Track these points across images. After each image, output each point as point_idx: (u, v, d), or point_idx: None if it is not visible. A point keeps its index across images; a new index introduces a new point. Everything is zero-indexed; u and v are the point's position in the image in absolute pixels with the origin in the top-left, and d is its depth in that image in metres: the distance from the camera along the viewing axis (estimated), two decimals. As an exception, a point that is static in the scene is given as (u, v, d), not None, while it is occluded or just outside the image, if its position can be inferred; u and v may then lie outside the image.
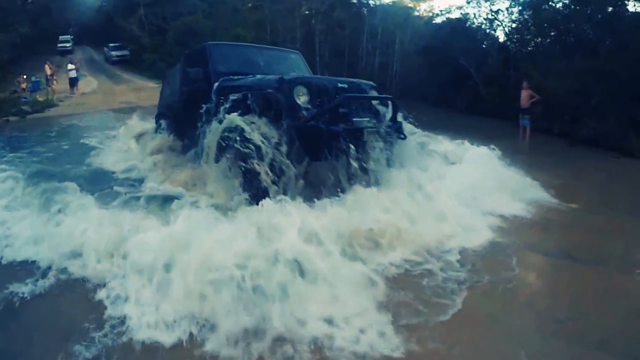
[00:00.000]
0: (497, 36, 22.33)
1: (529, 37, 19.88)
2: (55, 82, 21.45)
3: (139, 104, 20.05)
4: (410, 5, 29.42)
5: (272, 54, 8.50)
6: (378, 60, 27.32)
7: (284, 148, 5.25)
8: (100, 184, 7.15)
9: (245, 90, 5.92)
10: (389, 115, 6.42)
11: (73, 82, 24.60)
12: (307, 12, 30.33)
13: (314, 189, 5.54)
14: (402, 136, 6.35)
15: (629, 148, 12.52)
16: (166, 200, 5.81)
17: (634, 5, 15.78)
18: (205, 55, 7.16)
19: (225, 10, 33.05)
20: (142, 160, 9.03)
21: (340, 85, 5.97)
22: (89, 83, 28.66)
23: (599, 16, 15.90)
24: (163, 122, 9.58)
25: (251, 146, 5.19)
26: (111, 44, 40.19)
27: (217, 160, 5.92)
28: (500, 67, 19.65)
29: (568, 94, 14.46)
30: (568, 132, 14.34)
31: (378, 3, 29.16)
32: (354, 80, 6.61)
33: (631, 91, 13.35)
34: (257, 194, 5.20)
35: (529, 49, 19.45)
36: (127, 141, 11.01)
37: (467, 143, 8.95)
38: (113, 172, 8.56)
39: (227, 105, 5.86)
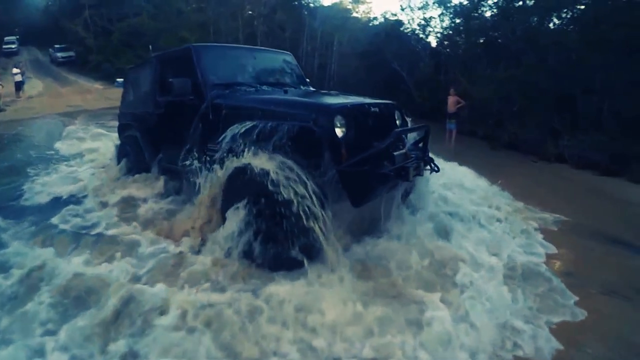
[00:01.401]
0: (429, 42, 22.50)
1: (460, 43, 19.98)
2: (0, 86, 20.27)
3: (85, 107, 19.25)
4: (349, 7, 29.27)
5: (264, 56, 6.65)
6: (317, 61, 27.08)
7: (315, 197, 3.80)
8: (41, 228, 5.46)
9: (260, 115, 4.44)
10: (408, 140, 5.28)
11: (19, 85, 23.32)
12: (250, 13, 29.81)
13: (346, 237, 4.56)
14: (436, 168, 5.13)
15: (546, 153, 12.89)
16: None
17: (555, 23, 16.43)
18: (190, 61, 5.49)
19: (169, 12, 32.19)
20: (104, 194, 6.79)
21: (372, 109, 4.79)
22: (34, 86, 27.29)
23: (522, 29, 16.13)
24: (128, 138, 7.26)
25: (283, 198, 3.72)
26: (57, 45, 38.65)
27: (224, 210, 4.32)
28: (431, 71, 19.76)
29: (492, 100, 14.74)
30: (491, 136, 14.59)
31: (318, 5, 28.92)
32: (379, 100, 5.17)
33: (549, 101, 13.86)
34: (280, 261, 3.95)
35: (459, 54, 19.54)
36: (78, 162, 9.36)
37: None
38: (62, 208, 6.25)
39: (237, 136, 4.37)
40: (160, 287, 3.72)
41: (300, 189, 3.70)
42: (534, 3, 16.90)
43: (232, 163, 4.25)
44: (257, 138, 4.18)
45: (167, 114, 6.14)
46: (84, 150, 10.63)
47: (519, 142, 13.59)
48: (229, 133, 4.43)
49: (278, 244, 3.89)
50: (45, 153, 10.39)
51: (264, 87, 5.57)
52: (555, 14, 16.42)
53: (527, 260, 4.93)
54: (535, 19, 16.63)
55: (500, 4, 18.28)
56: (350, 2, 29.50)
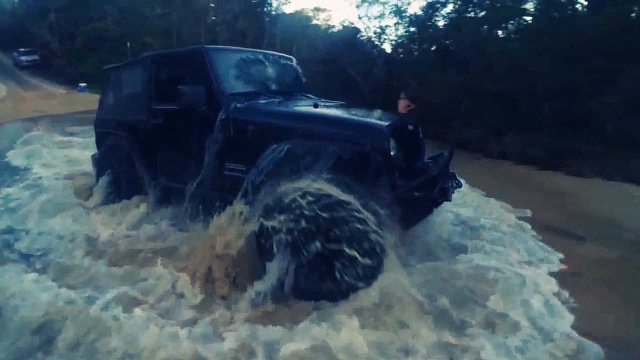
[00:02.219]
0: (384, 49, 22.72)
1: (413, 50, 20.28)
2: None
3: (49, 112, 18.40)
4: (310, 14, 29.36)
5: (274, 61, 5.77)
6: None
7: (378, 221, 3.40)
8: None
9: (299, 134, 3.88)
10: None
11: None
12: (213, 19, 29.61)
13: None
14: (460, 184, 4.80)
15: (489, 150, 13.35)
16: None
17: (502, 33, 17.13)
18: (202, 65, 4.67)
19: (134, 17, 31.64)
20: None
21: (410, 127, 4.47)
22: (-2, 90, 26.32)
23: (471, 38, 16.57)
24: (113, 149, 6.16)
25: (348, 225, 3.29)
26: (21, 49, 37.32)
27: (265, 244, 3.62)
28: (385, 77, 19.95)
29: (441, 103, 14.95)
30: (440, 136, 14.77)
31: (280, 13, 28.89)
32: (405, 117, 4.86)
33: (494, 103, 14.46)
34: (335, 291, 3.49)
35: (412, 60, 19.80)
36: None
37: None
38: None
39: (277, 158, 3.73)
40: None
41: (365, 215, 3.31)
42: (483, 15, 17.54)
43: (283, 188, 3.54)
44: (301, 161, 3.61)
45: (168, 124, 5.25)
46: (43, 161, 9.50)
47: (464, 141, 13.84)
48: (269, 154, 3.79)
49: (339, 275, 3.40)
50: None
51: (286, 98, 4.90)
52: (502, 25, 17.09)
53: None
54: (485, 27, 17.30)
55: (452, 15, 18.86)
56: (311, 10, 29.66)
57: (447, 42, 17.98)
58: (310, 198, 3.34)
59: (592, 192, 8.84)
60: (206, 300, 3.73)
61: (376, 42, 22.51)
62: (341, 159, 3.52)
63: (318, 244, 3.37)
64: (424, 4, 19.64)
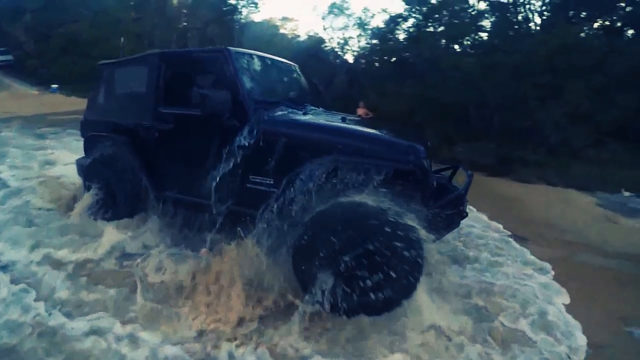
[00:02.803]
0: (347, 60, 22.87)
1: (374, 61, 20.53)
2: None
3: (20, 113, 17.64)
4: (278, 24, 29.44)
5: (283, 67, 5.46)
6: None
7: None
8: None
9: (338, 150, 3.71)
10: None
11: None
12: (185, 25, 29.40)
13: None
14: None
15: (442, 157, 13.36)
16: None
17: (458, 48, 17.85)
18: (226, 69, 4.28)
19: (108, 20, 31.17)
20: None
21: (428, 143, 4.51)
22: (-31, 90, 25.41)
23: (429, 53, 16.88)
24: (109, 157, 5.33)
25: (393, 242, 3.28)
26: (-5, 49, 36.25)
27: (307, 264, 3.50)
28: (346, 86, 20.08)
29: (398, 113, 15.10)
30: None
31: (249, 21, 28.86)
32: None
33: (446, 114, 15.00)
34: (375, 306, 3.48)
35: (372, 71, 19.96)
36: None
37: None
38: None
39: (316, 173, 3.58)
40: None
41: (410, 230, 3.30)
42: (441, 30, 18.10)
43: (334, 204, 3.45)
44: (348, 177, 3.51)
45: (179, 130, 4.73)
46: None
47: (420, 149, 14.16)
48: (311, 168, 3.63)
49: (379, 289, 3.40)
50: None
51: (302, 109, 4.58)
52: (459, 41, 17.74)
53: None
54: (443, 42, 17.76)
55: (412, 29, 19.23)
56: (279, 20, 29.69)
57: (406, 54, 18.20)
58: (364, 214, 3.30)
59: (536, 196, 9.28)
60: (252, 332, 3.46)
61: (339, 53, 22.73)
62: (387, 176, 3.50)
63: (365, 259, 3.35)
64: (387, 17, 20.04)
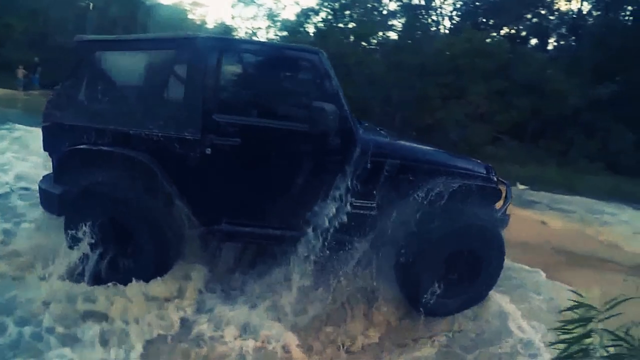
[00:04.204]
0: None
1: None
2: None
3: None
4: (187, 8, 28.16)
5: None
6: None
7: None
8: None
9: (439, 173, 3.65)
10: None
11: None
12: (85, 3, 27.49)
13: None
14: None
15: None
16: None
17: (366, 45, 17.63)
18: (322, 75, 3.50)
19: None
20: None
21: None
22: None
23: (336, 48, 16.65)
24: (112, 178, 3.60)
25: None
26: None
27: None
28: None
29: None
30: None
31: (156, 3, 27.45)
32: None
33: (376, 113, 14.47)
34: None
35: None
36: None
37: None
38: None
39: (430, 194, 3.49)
40: None
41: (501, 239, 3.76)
42: (351, 27, 17.99)
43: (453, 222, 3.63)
44: (457, 197, 3.57)
45: (250, 147, 3.54)
46: None
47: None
48: (427, 190, 3.50)
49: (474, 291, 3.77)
50: None
51: (365, 124, 4.21)
52: (368, 39, 17.66)
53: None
54: (352, 39, 17.53)
55: (322, 24, 19.03)
56: (189, 4, 28.40)
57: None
58: (482, 228, 3.66)
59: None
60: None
61: (248, 44, 22.02)
62: (482, 194, 3.80)
63: (471, 266, 3.65)
64: (299, 10, 19.66)
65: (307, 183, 3.49)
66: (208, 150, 3.43)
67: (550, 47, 18.95)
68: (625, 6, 17.68)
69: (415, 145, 4.18)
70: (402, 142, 4.05)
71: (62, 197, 3.61)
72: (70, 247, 3.45)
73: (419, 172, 3.63)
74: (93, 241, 3.44)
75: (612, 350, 1.68)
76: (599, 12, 18.36)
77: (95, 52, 3.81)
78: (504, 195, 4.15)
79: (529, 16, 18.70)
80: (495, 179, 4.02)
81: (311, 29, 19.27)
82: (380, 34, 18.11)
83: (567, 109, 13.98)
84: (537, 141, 14.61)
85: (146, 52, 3.91)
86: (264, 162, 3.59)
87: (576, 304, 1.80)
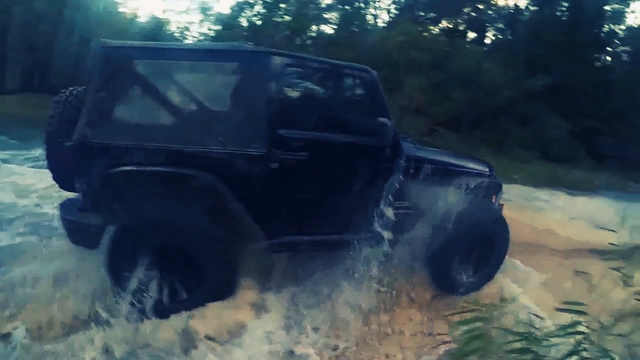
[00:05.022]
0: (187, 47, 21.48)
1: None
2: None
3: None
4: (118, 1, 27.03)
5: None
6: (73, 60, 24.18)
7: None
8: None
9: (456, 173, 4.32)
10: None
11: None
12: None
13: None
14: None
15: None
16: None
17: (300, 40, 17.41)
18: (373, 92, 3.77)
19: None
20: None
21: None
22: None
23: (269, 42, 16.46)
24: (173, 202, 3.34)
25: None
26: None
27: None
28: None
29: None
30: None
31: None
32: None
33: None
34: None
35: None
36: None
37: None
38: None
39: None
40: None
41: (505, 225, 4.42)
42: (285, 22, 17.82)
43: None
44: (470, 192, 4.24)
45: (315, 160, 3.62)
46: None
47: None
48: (450, 188, 4.09)
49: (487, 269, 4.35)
50: None
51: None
52: (302, 33, 17.56)
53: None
54: (286, 33, 17.26)
55: (257, 18, 18.75)
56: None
57: (249, 43, 17.55)
58: (494, 217, 4.37)
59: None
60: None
61: (179, 38, 21.15)
62: (490, 189, 4.51)
63: (485, 248, 4.26)
64: (234, 3, 19.19)
65: (364, 190, 3.78)
66: (274, 165, 3.43)
67: (488, 40, 19.32)
68: (560, 1, 18.33)
69: (437, 150, 5.14)
70: (429, 148, 4.99)
71: (93, 228, 3.27)
72: (118, 284, 3.18)
73: (446, 173, 4.18)
74: (150, 272, 3.22)
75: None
76: (536, 7, 18.80)
77: (133, 60, 3.45)
78: None
79: (467, 10, 18.83)
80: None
81: (246, 23, 18.84)
82: (316, 28, 17.85)
83: (502, 100, 14.33)
84: (473, 132, 14.93)
85: (199, 63, 3.65)
86: (327, 173, 3.75)
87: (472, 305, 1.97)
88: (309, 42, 17.33)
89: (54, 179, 3.70)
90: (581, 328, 2.07)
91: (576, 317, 2.08)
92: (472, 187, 4.14)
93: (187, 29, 20.95)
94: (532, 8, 18.98)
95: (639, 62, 17.63)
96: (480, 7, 18.74)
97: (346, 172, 3.81)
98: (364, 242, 3.76)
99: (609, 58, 18.82)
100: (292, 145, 3.50)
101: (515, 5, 18.97)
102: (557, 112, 14.61)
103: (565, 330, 2.07)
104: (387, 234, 3.80)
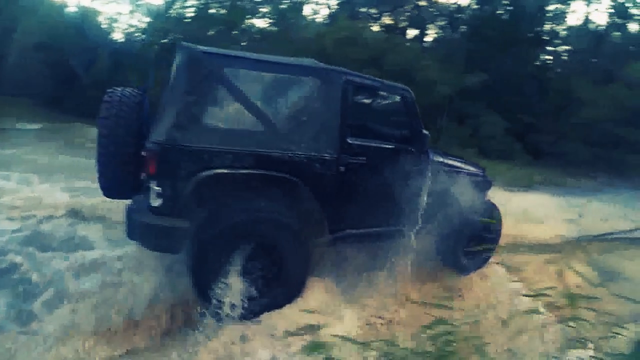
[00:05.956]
0: (117, 40, 20.38)
1: (146, 42, 18.61)
2: None
3: None
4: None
5: None
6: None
7: None
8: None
9: (457, 172, 5.21)
10: None
11: None
12: None
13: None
14: None
15: None
16: None
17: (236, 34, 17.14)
18: (410, 108, 4.52)
19: None
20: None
21: None
22: None
23: (202, 36, 16.01)
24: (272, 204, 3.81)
25: None
26: None
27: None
28: (110, 70, 17.69)
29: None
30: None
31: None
32: None
33: None
34: None
35: (142, 54, 17.88)
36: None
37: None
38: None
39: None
40: None
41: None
42: (219, 14, 17.43)
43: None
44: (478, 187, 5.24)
45: (370, 163, 4.30)
46: None
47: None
48: (460, 186, 4.94)
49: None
50: None
51: None
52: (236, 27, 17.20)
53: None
54: (221, 27, 16.98)
55: (191, 11, 18.21)
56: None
57: (180, 36, 16.73)
58: (492, 207, 5.27)
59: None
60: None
61: (109, 31, 20.20)
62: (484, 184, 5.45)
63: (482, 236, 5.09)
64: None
65: (406, 189, 4.36)
66: (342, 168, 4.06)
67: (430, 38, 19.31)
68: (501, 0, 18.53)
69: (444, 153, 5.38)
70: (439, 151, 5.25)
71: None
72: (203, 287, 3.47)
73: (456, 174, 4.94)
74: (242, 272, 3.57)
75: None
76: (477, 6, 18.95)
77: (225, 68, 3.66)
78: None
79: (408, 7, 18.78)
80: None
81: (179, 15, 18.17)
82: (250, 22, 17.37)
83: (438, 97, 14.25)
84: (409, 129, 14.86)
85: (280, 75, 3.97)
86: (379, 175, 4.30)
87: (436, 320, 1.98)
88: (242, 36, 16.88)
89: (102, 185, 3.81)
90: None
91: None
92: (474, 185, 4.98)
93: (115, 20, 19.91)
94: (473, 6, 19.08)
95: (579, 61, 17.86)
96: (422, 4, 18.70)
97: (393, 173, 4.33)
98: (406, 231, 4.50)
99: (549, 57, 18.94)
100: (356, 150, 4.15)
101: (457, 3, 19.09)
102: (494, 110, 14.74)
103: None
104: (420, 224, 4.55)
